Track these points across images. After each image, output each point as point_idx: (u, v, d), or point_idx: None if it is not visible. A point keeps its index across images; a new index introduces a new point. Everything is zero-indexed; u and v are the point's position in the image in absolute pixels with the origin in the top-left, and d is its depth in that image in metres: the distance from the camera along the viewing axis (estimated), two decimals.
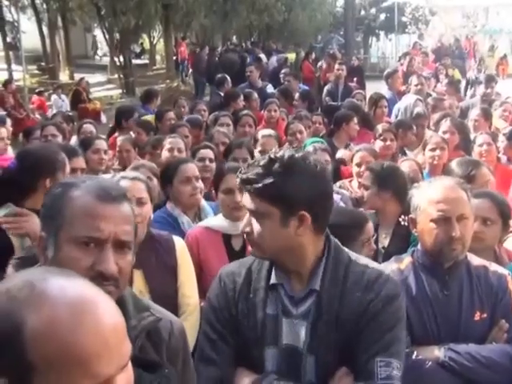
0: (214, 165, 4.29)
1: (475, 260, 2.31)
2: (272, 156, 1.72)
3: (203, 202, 3.56)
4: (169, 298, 2.63)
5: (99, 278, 1.36)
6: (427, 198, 2.24)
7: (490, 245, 2.81)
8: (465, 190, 2.26)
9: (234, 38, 27.92)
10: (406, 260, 2.32)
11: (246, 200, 1.75)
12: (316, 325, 1.74)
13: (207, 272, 3.03)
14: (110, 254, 1.39)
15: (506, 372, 2.09)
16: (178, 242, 2.86)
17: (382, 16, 30.53)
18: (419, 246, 2.32)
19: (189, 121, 5.99)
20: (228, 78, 9.10)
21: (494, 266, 2.31)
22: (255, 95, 7.73)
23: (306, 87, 10.01)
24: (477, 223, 2.72)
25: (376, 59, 30.10)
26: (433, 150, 4.69)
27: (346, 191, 4.25)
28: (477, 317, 2.19)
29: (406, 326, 1.83)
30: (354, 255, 1.85)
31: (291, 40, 25.79)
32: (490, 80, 8.05)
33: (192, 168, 3.48)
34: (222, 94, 8.13)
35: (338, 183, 4.45)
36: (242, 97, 7.47)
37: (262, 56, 16.44)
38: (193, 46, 22.93)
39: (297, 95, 8.13)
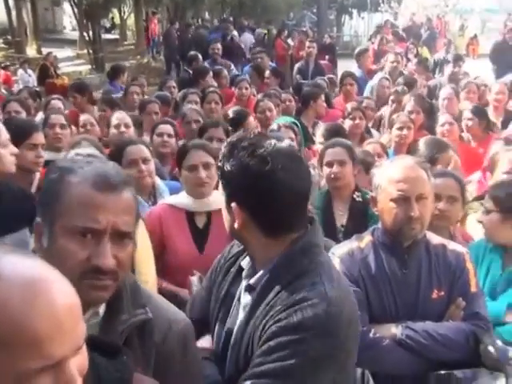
0: (173, 140, 4.30)
1: (434, 239, 2.33)
2: (229, 139, 1.67)
3: (158, 181, 3.51)
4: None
5: (95, 272, 1.31)
6: (387, 177, 2.26)
7: (453, 222, 2.90)
8: (425, 169, 2.27)
9: (207, 14, 27.54)
10: (367, 239, 2.34)
11: None
12: (245, 321, 1.61)
13: (169, 250, 3.04)
14: (107, 247, 1.32)
15: (462, 349, 2.13)
16: None
17: None
18: (380, 225, 2.33)
19: (158, 97, 5.97)
20: (199, 55, 9.05)
21: (452, 245, 2.34)
22: (225, 72, 7.70)
23: (275, 65, 9.99)
24: (443, 202, 2.78)
25: (349, 37, 30.02)
26: (400, 129, 4.75)
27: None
28: (434, 295, 2.22)
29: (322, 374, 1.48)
30: (316, 274, 1.55)
31: (264, 17, 25.54)
32: (458, 59, 8.14)
33: (138, 150, 3.33)
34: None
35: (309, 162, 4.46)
36: (211, 73, 7.42)
37: (235, 33, 16.26)
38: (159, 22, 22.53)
39: (267, 73, 8.10)
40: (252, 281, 1.64)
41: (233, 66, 9.58)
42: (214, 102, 5.60)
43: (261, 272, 1.62)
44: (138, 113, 5.40)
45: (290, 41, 14.64)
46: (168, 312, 1.53)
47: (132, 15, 22.85)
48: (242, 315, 1.65)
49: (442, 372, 2.09)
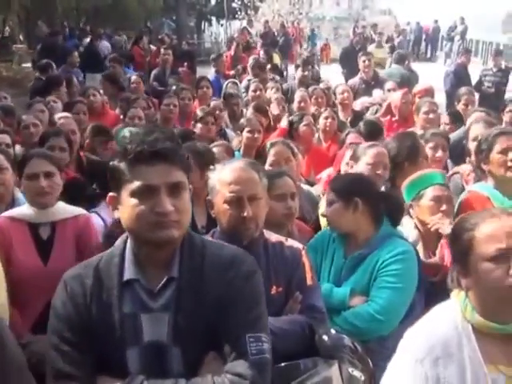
0: (11, 150, 4.17)
1: (272, 237, 2.40)
2: None
3: (18, 194, 3.37)
4: None
5: None
6: (220, 179, 2.30)
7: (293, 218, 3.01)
8: (257, 171, 2.34)
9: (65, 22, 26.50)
10: None
11: None
12: (178, 314, 1.68)
13: (14, 264, 2.91)
14: None
15: (298, 340, 2.19)
16: None
17: (213, 1, 30.79)
18: (218, 227, 2.37)
19: (1, 108, 5.67)
20: (52, 63, 8.77)
21: (289, 242, 2.42)
22: (75, 80, 7.52)
23: (134, 71, 9.86)
24: (289, 200, 2.89)
25: (210, 44, 30.30)
26: (251, 132, 4.85)
27: None
28: (273, 291, 2.27)
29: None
30: (206, 239, 1.89)
31: (121, 24, 25.05)
32: (306, 63, 8.53)
33: None
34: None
35: None
36: (64, 83, 7.23)
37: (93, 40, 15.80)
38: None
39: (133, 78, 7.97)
40: (172, 273, 1.74)
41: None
42: (82, 113, 5.69)
43: (173, 263, 1.75)
44: None
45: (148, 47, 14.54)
46: None
47: None
48: (165, 315, 1.72)
49: (282, 364, 2.13)
